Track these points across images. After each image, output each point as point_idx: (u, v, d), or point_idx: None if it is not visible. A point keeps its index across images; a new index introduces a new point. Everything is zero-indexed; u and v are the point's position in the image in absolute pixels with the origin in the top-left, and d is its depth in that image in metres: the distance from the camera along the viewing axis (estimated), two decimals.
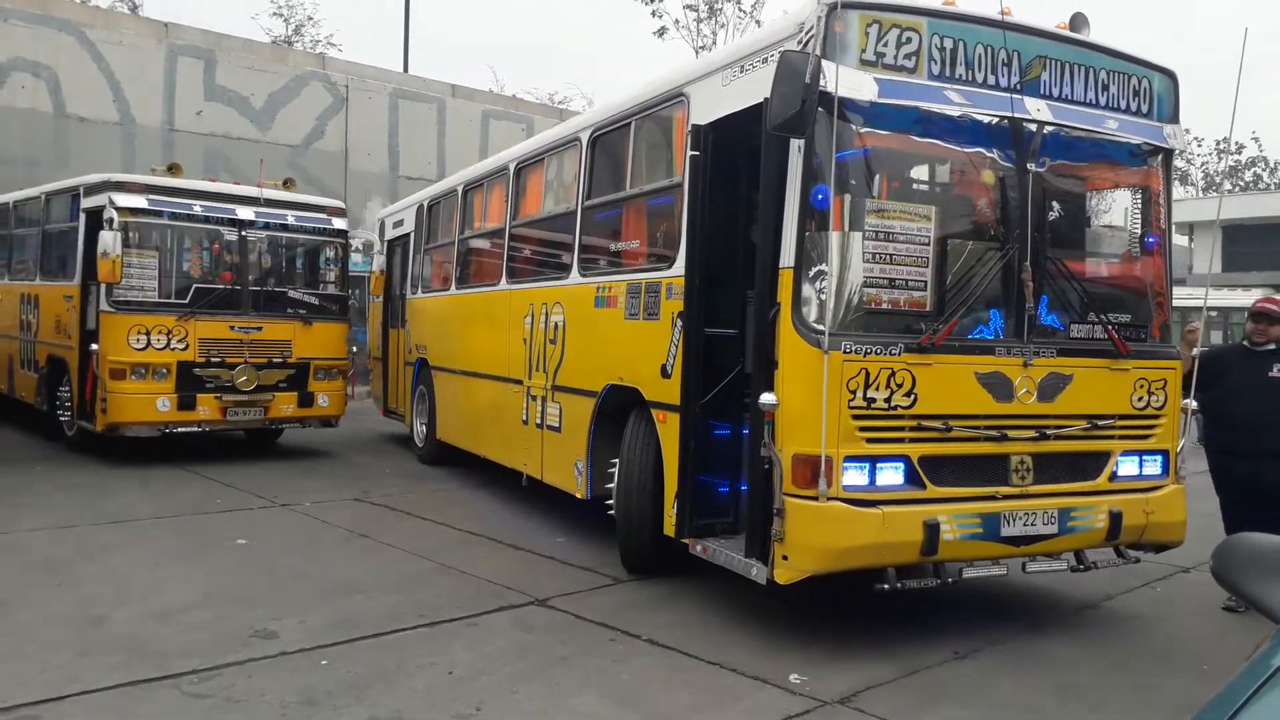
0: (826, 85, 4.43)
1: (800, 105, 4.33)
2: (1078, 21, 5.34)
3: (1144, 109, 5.42)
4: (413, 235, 11.33)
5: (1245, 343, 6.01)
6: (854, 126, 4.66)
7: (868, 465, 4.61)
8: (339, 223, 10.95)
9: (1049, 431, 4.98)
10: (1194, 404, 5.57)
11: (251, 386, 10.08)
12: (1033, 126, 4.96)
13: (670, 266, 5.68)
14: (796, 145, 4.62)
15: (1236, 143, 49.36)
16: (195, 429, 9.95)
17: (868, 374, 4.56)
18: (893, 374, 4.62)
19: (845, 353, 4.51)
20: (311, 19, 29.69)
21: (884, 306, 4.71)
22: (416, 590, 5.76)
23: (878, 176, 4.94)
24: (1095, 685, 4.61)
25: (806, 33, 4.60)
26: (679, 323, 5.48)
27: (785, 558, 4.58)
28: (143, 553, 6.49)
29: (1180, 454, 5.48)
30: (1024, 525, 4.89)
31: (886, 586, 4.66)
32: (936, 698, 4.36)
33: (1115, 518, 5.12)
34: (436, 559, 6.51)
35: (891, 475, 4.66)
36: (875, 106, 4.62)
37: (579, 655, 4.76)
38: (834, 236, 4.61)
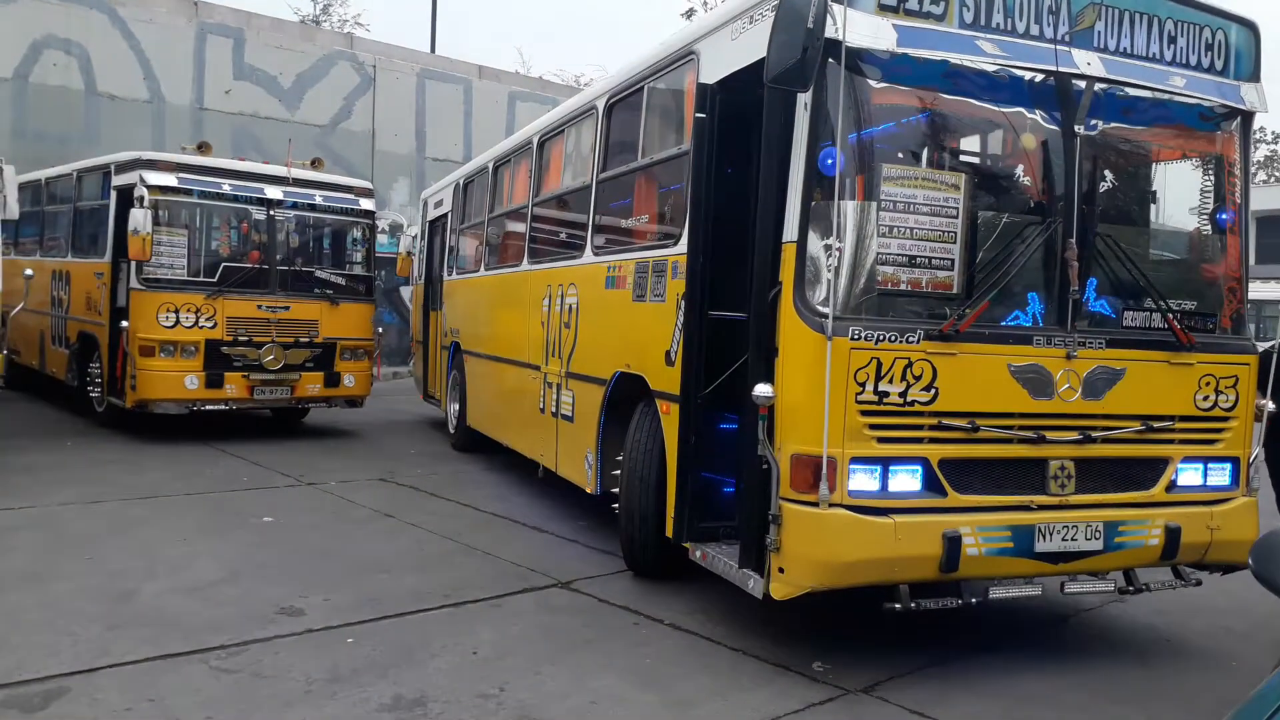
0: (837, 32, 3.86)
1: (802, 54, 3.77)
2: None
3: (1218, 65, 4.72)
4: (449, 215, 11.02)
5: None
6: (869, 80, 4.08)
7: (879, 468, 4.06)
8: (366, 203, 10.86)
9: (1095, 434, 4.35)
10: (1272, 405, 4.86)
11: (278, 366, 10.03)
12: (1081, 83, 4.31)
13: (676, 244, 5.17)
14: (803, 102, 4.07)
15: (1273, 131, 46.45)
16: (223, 407, 9.97)
17: (880, 364, 4.00)
18: (910, 365, 4.04)
19: (853, 339, 3.96)
20: None
21: (902, 287, 4.13)
22: (441, 570, 5.76)
23: (897, 138, 4.34)
24: (1120, 680, 4.44)
25: None
26: (683, 305, 4.98)
27: (781, 570, 4.06)
28: (171, 528, 6.53)
29: (1253, 462, 4.79)
30: (1063, 540, 4.28)
31: (899, 606, 4.10)
32: (960, 689, 4.25)
33: (1173, 533, 4.47)
34: (461, 540, 6.50)
35: (907, 480, 4.10)
36: (894, 58, 4.03)
37: (602, 638, 4.74)
38: (844, 206, 4.05)
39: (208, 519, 6.84)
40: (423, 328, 12.27)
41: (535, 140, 8.00)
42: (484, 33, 49.76)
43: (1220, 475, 4.71)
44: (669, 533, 5.12)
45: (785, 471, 4.04)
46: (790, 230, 4.11)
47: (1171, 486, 4.58)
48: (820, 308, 3.97)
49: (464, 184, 10.55)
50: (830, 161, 3.98)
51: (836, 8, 3.86)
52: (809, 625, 4.90)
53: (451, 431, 10.47)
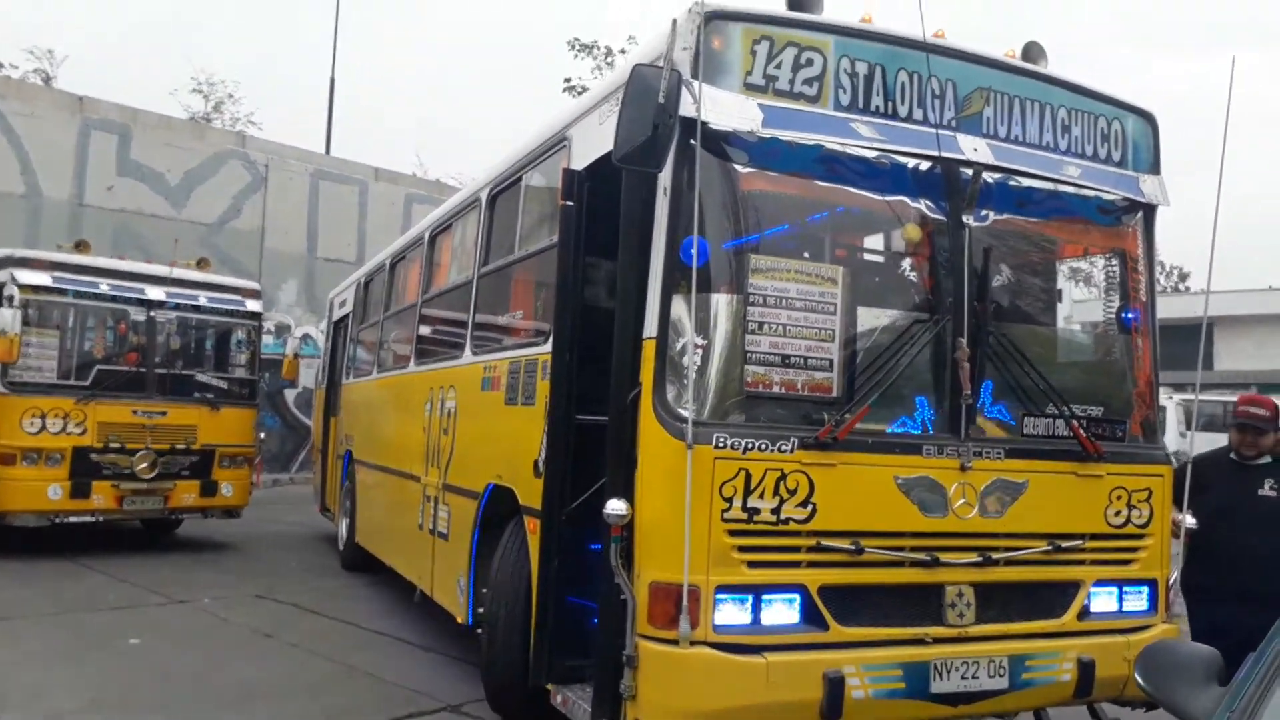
0: (695, 110, 3.49)
1: (652, 131, 3.39)
2: (1032, 51, 4.42)
3: (1115, 156, 4.46)
4: (351, 315, 10.53)
5: (1232, 454, 4.74)
6: (734, 164, 3.71)
7: (749, 598, 3.54)
8: (253, 304, 10.53)
9: (996, 555, 3.88)
10: (1191, 519, 4.43)
11: (152, 474, 9.39)
12: (969, 171, 3.99)
13: (546, 341, 4.70)
14: (663, 186, 3.68)
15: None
16: (88, 518, 9.30)
17: (749, 476, 3.52)
18: (783, 477, 3.56)
19: (718, 447, 3.48)
20: (232, 96, 28.68)
21: (774, 390, 3.68)
22: (322, 695, 5.51)
23: (767, 227, 3.95)
24: None
25: (680, 48, 3.68)
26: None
27: None
28: (26, 653, 6.13)
29: (1172, 584, 4.35)
30: (962, 679, 3.76)
31: None
32: None
33: (1087, 667, 3.98)
34: (344, 660, 6.22)
35: (782, 611, 3.58)
36: (763, 140, 3.67)
37: None
38: (708, 299, 3.63)
39: (68, 642, 6.39)
40: (323, 435, 11.64)
41: (427, 235, 7.60)
42: (382, 135, 50.47)
43: (1137, 600, 4.27)
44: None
45: (642, 603, 3.50)
46: (650, 325, 3.67)
47: (1084, 614, 4.12)
48: (681, 411, 3.49)
49: (365, 282, 10.11)
50: (692, 251, 3.56)
51: (694, 84, 3.50)
52: None
53: (341, 548, 9.76)
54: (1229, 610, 4.36)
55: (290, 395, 17.14)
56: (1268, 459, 4.59)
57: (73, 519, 9.17)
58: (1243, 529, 4.50)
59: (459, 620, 5.70)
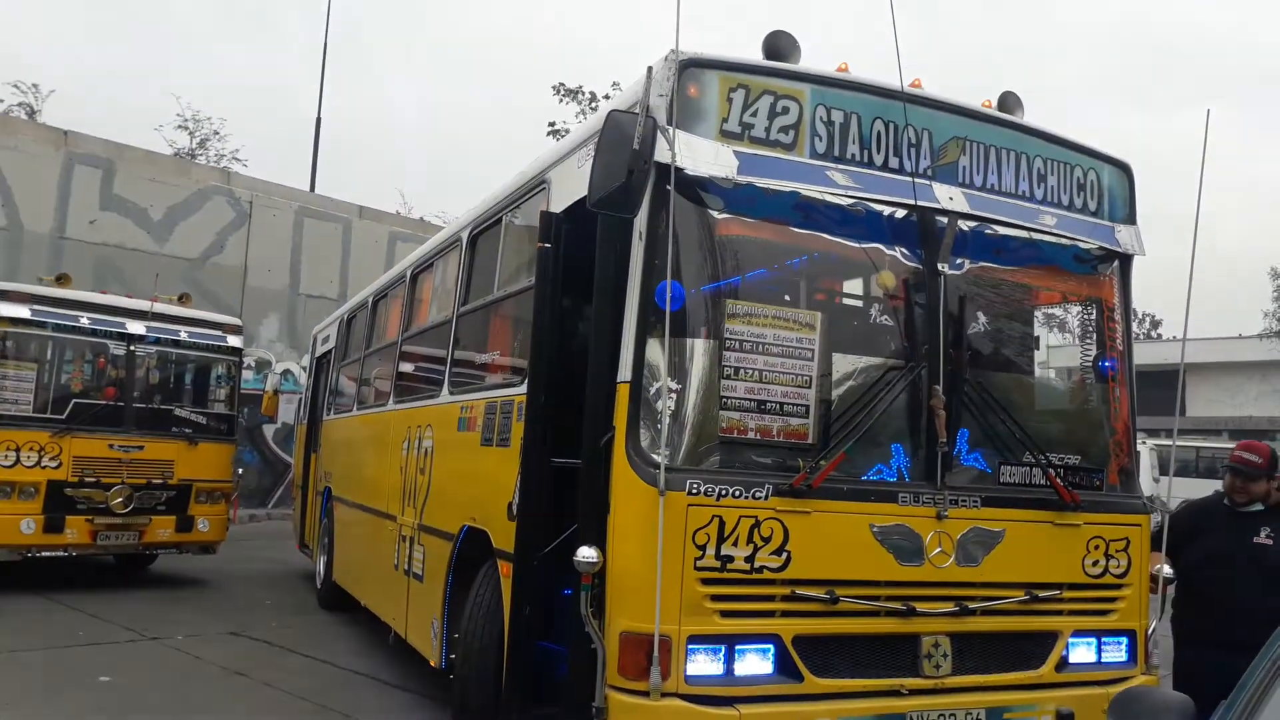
0: (675, 156, 3.49)
1: (627, 177, 3.38)
2: (1008, 101, 4.46)
3: (1091, 205, 4.48)
4: (333, 352, 10.49)
5: (1226, 501, 4.66)
6: (710, 210, 3.71)
7: (722, 648, 3.48)
8: (234, 340, 10.53)
9: (973, 605, 3.85)
10: (1169, 569, 4.41)
11: (127, 509, 9.27)
12: (944, 219, 4.00)
13: (523, 382, 4.67)
14: (638, 231, 3.67)
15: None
16: (61, 553, 9.15)
17: (722, 523, 3.48)
18: (757, 524, 3.53)
19: (691, 493, 3.44)
20: (218, 133, 28.46)
21: (749, 436, 3.65)
22: None
23: (743, 273, 3.93)
24: None
25: (656, 95, 3.69)
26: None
27: None
28: None
29: (1151, 635, 4.31)
30: None
31: None
32: None
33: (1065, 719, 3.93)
34: (318, 700, 6.11)
35: (756, 662, 3.52)
36: (738, 187, 3.68)
37: None
38: (683, 344, 3.61)
39: (38, 679, 6.29)
40: (304, 471, 11.53)
41: (409, 273, 7.58)
42: (366, 173, 50.71)
43: (1116, 651, 4.22)
44: None
45: (613, 653, 3.44)
46: (625, 369, 3.64)
47: (1062, 665, 4.07)
48: (655, 456, 3.46)
49: (348, 319, 10.07)
50: (667, 295, 3.55)
51: (670, 130, 3.51)
52: None
53: (319, 586, 9.63)
54: (1216, 657, 4.29)
55: (269, 431, 17.05)
56: (1260, 506, 4.55)
57: (45, 554, 9.05)
58: (1240, 577, 4.43)
59: (432, 663, 5.62)
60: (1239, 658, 4.23)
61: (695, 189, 3.63)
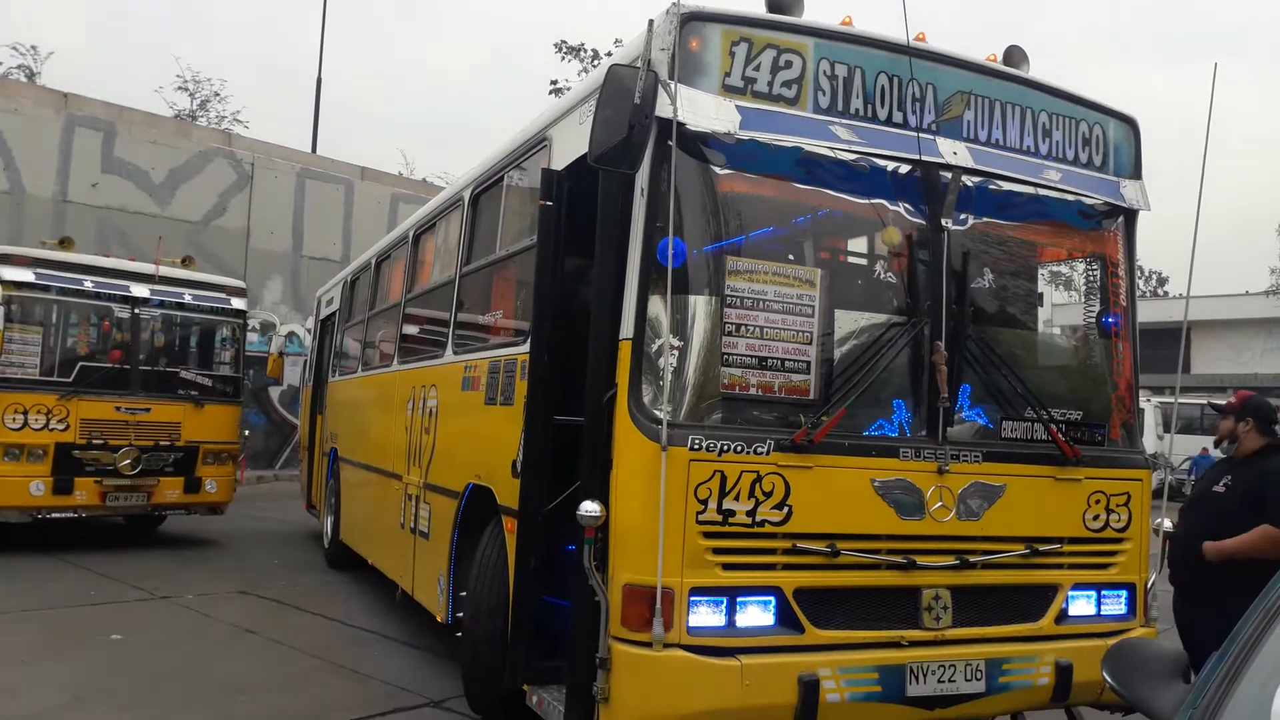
0: (672, 111, 3.47)
1: (628, 131, 3.37)
2: (1014, 55, 4.41)
3: (1096, 160, 4.45)
4: (337, 314, 10.50)
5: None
6: (712, 166, 3.69)
7: (724, 600, 3.52)
8: (238, 302, 10.53)
9: (974, 558, 3.88)
10: (1168, 523, 4.45)
11: (135, 470, 9.35)
12: (948, 174, 3.98)
13: (525, 341, 4.68)
14: (640, 187, 3.65)
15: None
16: (71, 514, 9.24)
17: (724, 478, 3.50)
18: (759, 479, 3.55)
19: (693, 449, 3.46)
20: (219, 95, 28.31)
21: (750, 392, 3.66)
22: (304, 691, 5.49)
23: (745, 229, 3.93)
24: None
25: (658, 49, 3.65)
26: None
27: None
28: (7, 649, 6.06)
29: (1151, 588, 4.34)
30: (939, 682, 3.75)
31: None
32: None
33: (1064, 671, 3.97)
34: (327, 657, 6.19)
35: (757, 614, 3.56)
36: (740, 142, 3.65)
37: None
38: (684, 301, 3.61)
39: (49, 638, 6.35)
40: (309, 433, 11.58)
41: (411, 234, 7.56)
42: (368, 134, 50.26)
43: (1115, 604, 4.26)
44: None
45: (616, 606, 3.48)
46: (626, 326, 3.64)
47: (1062, 617, 4.11)
48: (657, 413, 3.47)
49: (351, 281, 10.07)
50: (669, 252, 3.54)
51: (671, 85, 3.48)
52: None
53: (326, 545, 9.71)
54: (1181, 606, 4.58)
55: (275, 393, 17.08)
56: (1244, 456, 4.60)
57: (55, 515, 9.14)
58: (1190, 526, 4.58)
59: (439, 619, 5.68)
60: (1183, 602, 4.40)
61: (697, 144, 3.61)
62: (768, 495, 3.56)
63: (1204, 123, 3.90)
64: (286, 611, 7.46)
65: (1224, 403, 4.73)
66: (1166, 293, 50.34)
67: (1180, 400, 10.23)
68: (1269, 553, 4.24)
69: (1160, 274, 53.30)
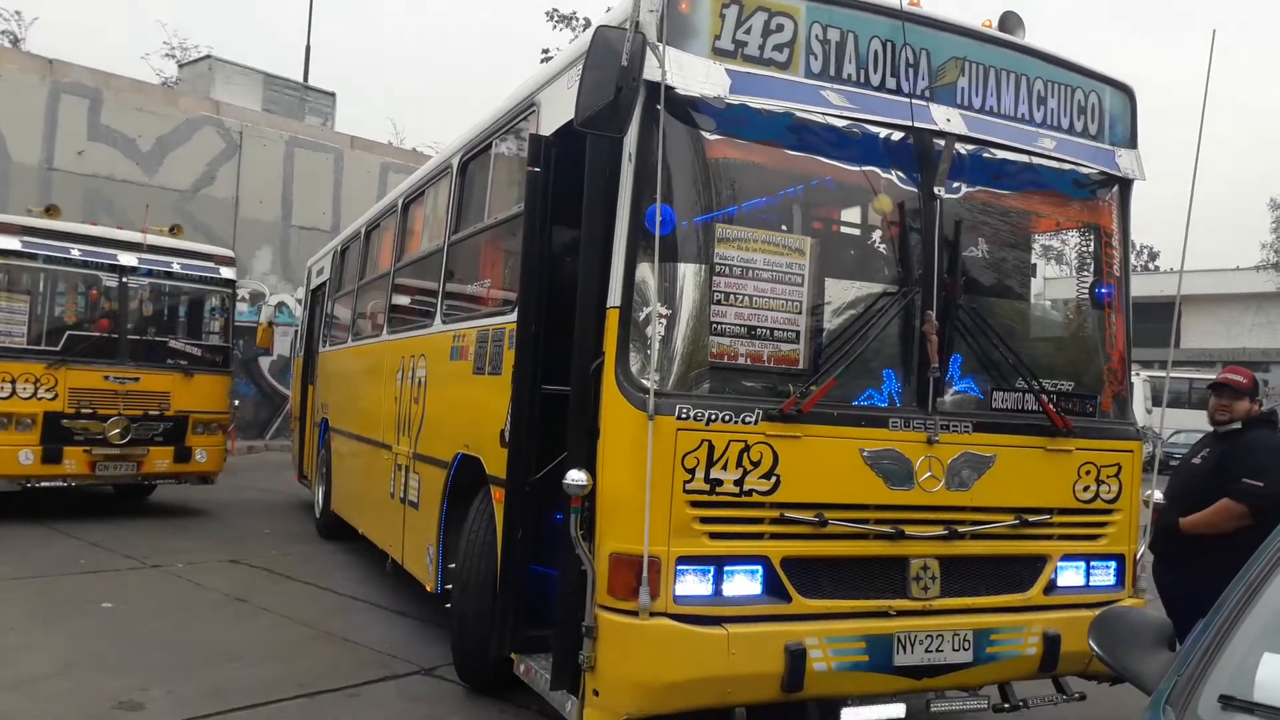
0: (665, 74, 3.40)
1: (615, 94, 3.31)
2: (1009, 21, 4.35)
3: (1092, 129, 4.40)
4: (328, 284, 10.43)
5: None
6: (702, 130, 3.63)
7: (710, 569, 3.50)
8: (227, 272, 10.47)
9: (962, 529, 3.86)
10: (1159, 495, 4.45)
11: (124, 440, 9.32)
12: (941, 142, 3.92)
13: (513, 311, 4.64)
14: (628, 152, 3.60)
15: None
16: (60, 483, 9.23)
17: (712, 447, 3.47)
18: (747, 448, 3.52)
19: (680, 418, 3.43)
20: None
21: (739, 361, 3.62)
22: (296, 658, 5.49)
23: (735, 196, 3.87)
24: None
25: (646, 10, 3.58)
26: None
27: (596, 693, 3.44)
28: None
29: (1140, 559, 4.34)
30: (926, 651, 3.74)
31: None
32: None
33: (1052, 641, 3.97)
34: (317, 625, 6.23)
35: (744, 583, 3.54)
36: (730, 107, 3.60)
37: None
38: (672, 269, 3.56)
39: (39, 606, 6.35)
40: (301, 403, 11.58)
41: (400, 202, 7.49)
42: (358, 103, 49.74)
43: (1104, 575, 4.26)
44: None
45: (602, 574, 3.46)
46: (614, 294, 3.60)
47: (1050, 588, 4.10)
48: (644, 381, 3.44)
49: (341, 250, 10.00)
50: (657, 219, 3.49)
51: (660, 47, 3.41)
52: None
53: (317, 515, 9.72)
54: (1161, 572, 4.70)
55: (265, 363, 17.05)
56: (1237, 425, 4.67)
57: (44, 484, 9.12)
58: (1177, 494, 4.70)
59: (428, 589, 5.68)
60: (1181, 570, 4.46)
61: (686, 108, 3.55)
62: (755, 465, 3.53)
63: (1194, 98, 3.84)
64: (277, 580, 7.48)
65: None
66: (1157, 267, 50.44)
67: (1171, 375, 10.25)
68: (1228, 525, 4.32)
69: (1151, 249, 53.40)
